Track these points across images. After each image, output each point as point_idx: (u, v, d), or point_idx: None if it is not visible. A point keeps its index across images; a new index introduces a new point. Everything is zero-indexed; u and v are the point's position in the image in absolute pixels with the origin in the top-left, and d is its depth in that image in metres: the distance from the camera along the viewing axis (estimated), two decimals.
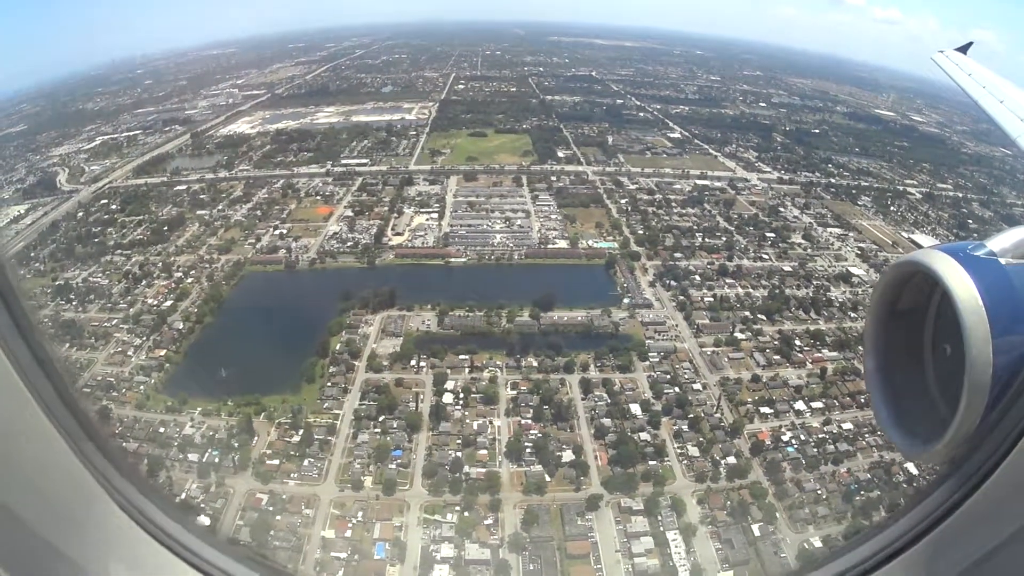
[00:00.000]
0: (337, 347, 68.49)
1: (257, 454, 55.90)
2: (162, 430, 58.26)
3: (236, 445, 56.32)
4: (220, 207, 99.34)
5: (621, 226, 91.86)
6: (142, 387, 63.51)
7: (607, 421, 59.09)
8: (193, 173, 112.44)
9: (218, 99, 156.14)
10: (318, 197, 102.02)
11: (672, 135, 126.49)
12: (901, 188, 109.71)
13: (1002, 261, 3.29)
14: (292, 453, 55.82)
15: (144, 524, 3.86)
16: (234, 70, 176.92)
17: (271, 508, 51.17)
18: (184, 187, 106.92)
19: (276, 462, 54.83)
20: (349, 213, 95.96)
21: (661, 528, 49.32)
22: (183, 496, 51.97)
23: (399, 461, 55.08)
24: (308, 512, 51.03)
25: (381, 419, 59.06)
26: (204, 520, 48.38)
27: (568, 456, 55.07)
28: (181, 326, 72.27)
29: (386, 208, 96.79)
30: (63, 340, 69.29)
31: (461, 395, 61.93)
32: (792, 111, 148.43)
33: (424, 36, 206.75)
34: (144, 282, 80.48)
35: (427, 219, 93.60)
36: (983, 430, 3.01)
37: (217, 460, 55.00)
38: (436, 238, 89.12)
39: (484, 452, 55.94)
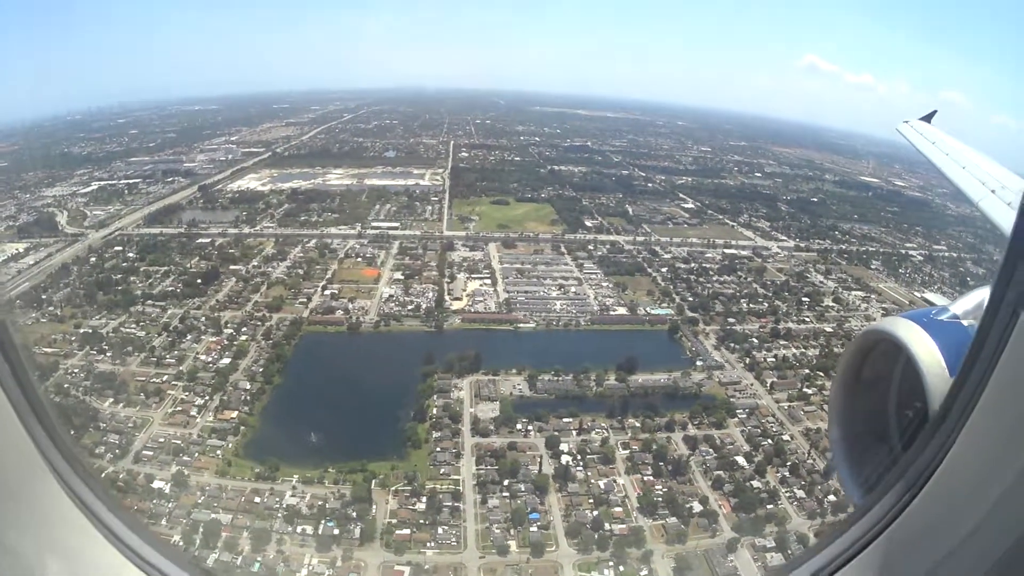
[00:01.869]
0: (434, 411, 68.06)
1: (381, 524, 54.30)
2: (257, 500, 56.47)
3: (354, 515, 54.79)
4: (254, 263, 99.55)
5: (670, 293, 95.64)
6: (219, 452, 61.83)
7: (720, 473, 61.46)
8: (212, 226, 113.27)
9: (216, 154, 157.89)
10: (359, 259, 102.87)
11: (686, 205, 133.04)
12: (903, 251, 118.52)
13: (964, 323, 3.45)
14: (421, 521, 54.60)
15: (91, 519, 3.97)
16: (223, 126, 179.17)
17: None
18: (208, 240, 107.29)
19: (406, 531, 53.72)
20: (399, 276, 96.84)
21: None
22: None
23: (538, 523, 55.17)
24: None
25: (506, 483, 59.10)
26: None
27: (696, 507, 57.44)
28: (248, 386, 70.63)
29: (435, 273, 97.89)
30: (103, 394, 68.07)
31: (578, 456, 62.76)
32: (787, 180, 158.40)
33: (408, 103, 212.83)
34: (189, 337, 78.99)
35: (481, 284, 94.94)
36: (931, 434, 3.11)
37: (336, 532, 53.30)
38: (497, 303, 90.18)
39: (619, 509, 57.05)
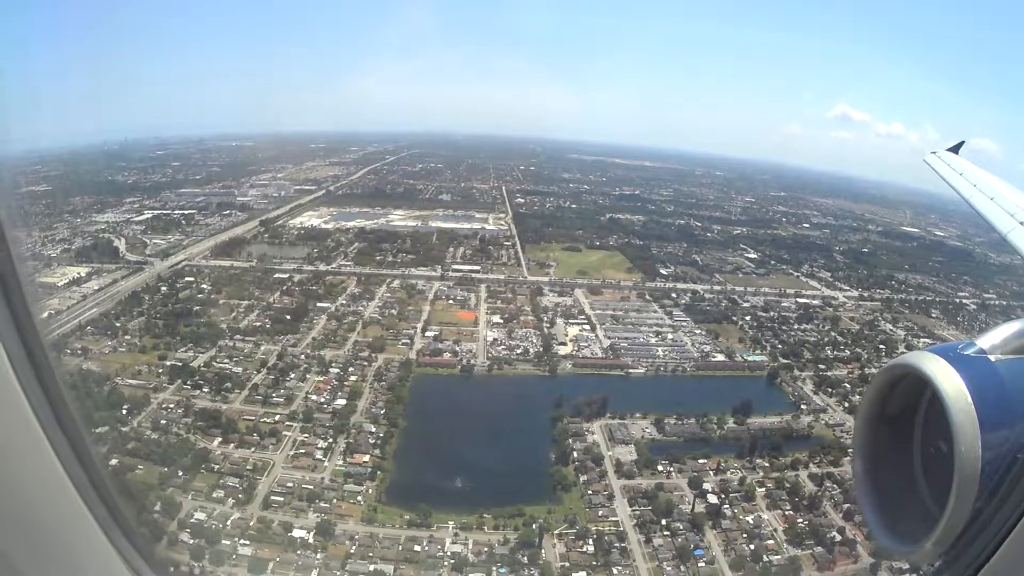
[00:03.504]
0: (575, 454, 71.38)
1: (556, 568, 56.28)
2: (417, 548, 56.96)
3: (525, 559, 56.50)
4: (342, 301, 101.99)
5: (759, 340, 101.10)
6: (359, 497, 61.91)
7: (848, 506, 65.39)
8: (285, 262, 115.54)
9: (267, 189, 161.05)
10: (450, 301, 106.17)
11: (749, 256, 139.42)
12: (958, 300, 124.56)
13: (991, 358, 3.54)
14: (593, 563, 56.95)
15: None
16: (265, 163, 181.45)
17: None
18: (285, 276, 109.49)
19: (582, 574, 55.99)
20: (497, 320, 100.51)
21: None
22: None
23: (703, 559, 59.83)
24: None
25: (663, 522, 63.44)
26: None
27: (836, 536, 61.75)
28: (373, 429, 71.59)
29: (531, 317, 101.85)
30: (209, 432, 68.03)
31: (722, 495, 67.51)
32: (834, 231, 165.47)
33: (443, 147, 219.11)
34: (293, 375, 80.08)
35: (580, 330, 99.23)
36: (973, 524, 3.21)
37: None
38: (602, 349, 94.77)
39: (771, 542, 61.07)
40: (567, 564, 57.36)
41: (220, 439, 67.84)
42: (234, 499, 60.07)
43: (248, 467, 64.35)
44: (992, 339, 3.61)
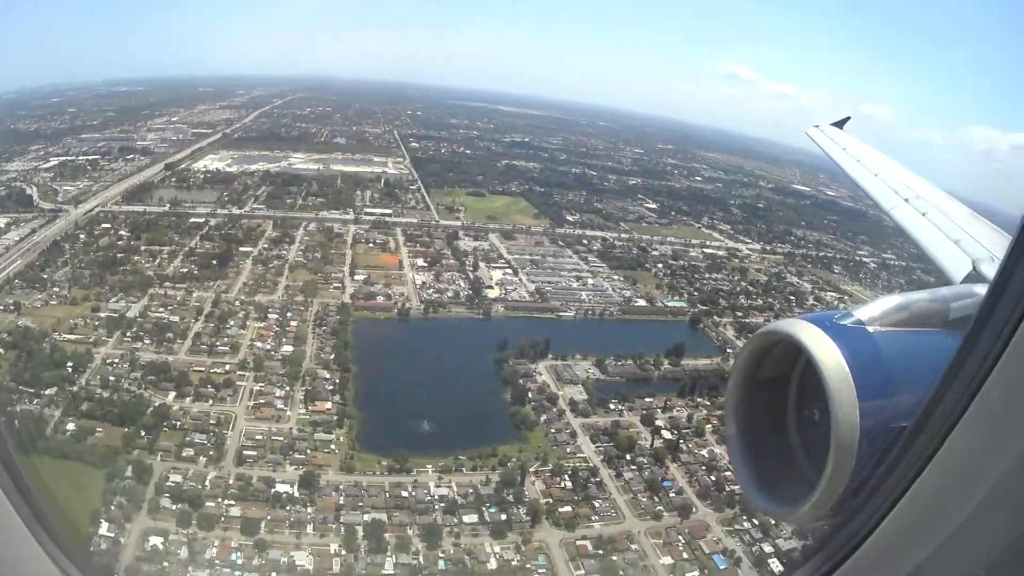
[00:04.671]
0: (530, 395, 73.35)
1: (542, 505, 58.44)
2: (404, 494, 58.20)
3: (511, 498, 58.66)
4: (264, 245, 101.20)
5: (676, 287, 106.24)
6: (332, 446, 62.45)
7: None
8: (197, 206, 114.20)
9: (165, 133, 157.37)
10: (370, 244, 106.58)
11: (649, 206, 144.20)
12: (858, 258, 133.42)
13: (870, 329, 3.67)
14: (575, 498, 59.76)
15: None
16: (158, 107, 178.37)
17: (602, 552, 54.87)
18: (201, 220, 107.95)
19: (568, 508, 58.46)
20: (421, 263, 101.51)
21: None
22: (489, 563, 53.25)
23: (673, 490, 62.99)
24: (635, 547, 55.93)
25: (628, 457, 66.34)
26: None
27: None
28: (327, 375, 71.85)
29: (453, 261, 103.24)
30: (161, 387, 66.81)
31: (675, 431, 71.08)
32: (727, 185, 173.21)
33: (327, 90, 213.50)
34: (232, 322, 79.36)
35: (503, 274, 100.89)
36: (855, 490, 3.34)
37: (503, 517, 56.83)
38: (529, 293, 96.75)
39: (728, 473, 65.18)
40: (551, 500, 59.64)
41: (175, 393, 66.54)
42: (205, 457, 59.21)
43: (212, 422, 63.38)
44: (870, 311, 3.77)
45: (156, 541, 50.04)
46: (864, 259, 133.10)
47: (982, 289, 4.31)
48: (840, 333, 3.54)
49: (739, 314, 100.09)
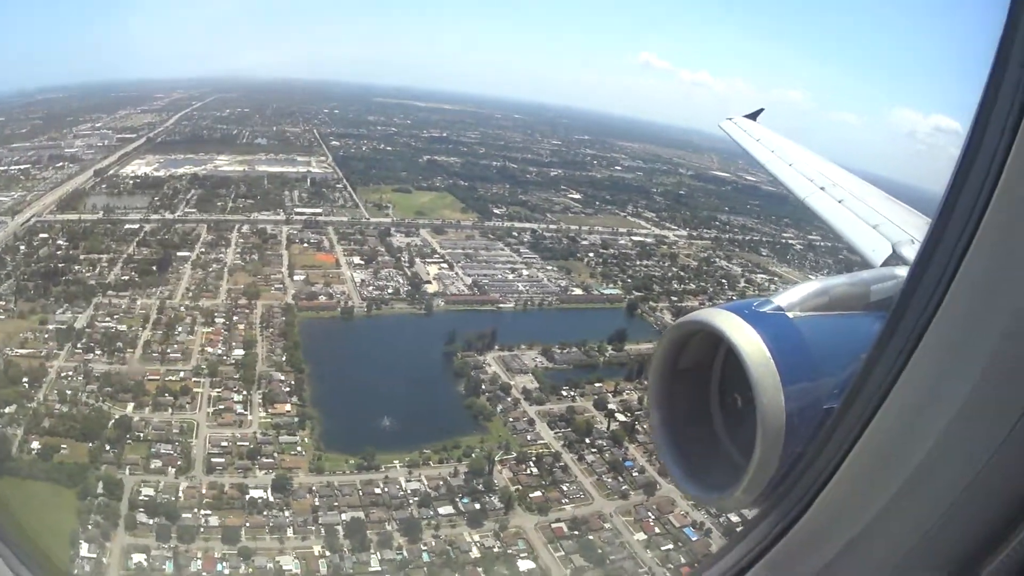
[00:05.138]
0: (483, 386, 74.67)
1: (513, 492, 60.47)
2: (377, 491, 59.71)
3: (482, 487, 60.78)
4: (201, 249, 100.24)
5: (609, 275, 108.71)
6: (298, 448, 63.36)
7: None
8: (130, 212, 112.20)
9: (91, 139, 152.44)
10: (305, 244, 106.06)
11: (573, 196, 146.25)
12: (784, 240, 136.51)
13: (789, 315, 3.74)
14: (543, 483, 62.03)
15: None
16: (83, 113, 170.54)
17: (577, 532, 57.14)
18: (136, 226, 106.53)
19: (538, 493, 60.73)
20: (357, 261, 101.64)
21: None
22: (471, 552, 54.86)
23: (635, 470, 64.90)
24: (608, 526, 58.29)
25: (587, 441, 68.04)
26: None
27: None
28: (282, 377, 72.23)
29: (388, 258, 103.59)
30: (119, 398, 66.31)
31: (627, 413, 73.17)
32: (647, 174, 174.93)
33: (244, 91, 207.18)
34: (180, 328, 78.91)
35: (439, 269, 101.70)
36: (786, 473, 3.38)
37: (477, 507, 58.79)
38: (467, 286, 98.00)
39: None
40: (520, 487, 61.53)
41: (134, 404, 66.46)
42: (174, 467, 59.25)
43: (175, 431, 63.53)
44: (789, 297, 3.87)
45: (139, 558, 50.14)
46: (790, 241, 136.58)
47: (903, 271, 4.46)
48: (759, 320, 3.62)
49: (674, 299, 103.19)
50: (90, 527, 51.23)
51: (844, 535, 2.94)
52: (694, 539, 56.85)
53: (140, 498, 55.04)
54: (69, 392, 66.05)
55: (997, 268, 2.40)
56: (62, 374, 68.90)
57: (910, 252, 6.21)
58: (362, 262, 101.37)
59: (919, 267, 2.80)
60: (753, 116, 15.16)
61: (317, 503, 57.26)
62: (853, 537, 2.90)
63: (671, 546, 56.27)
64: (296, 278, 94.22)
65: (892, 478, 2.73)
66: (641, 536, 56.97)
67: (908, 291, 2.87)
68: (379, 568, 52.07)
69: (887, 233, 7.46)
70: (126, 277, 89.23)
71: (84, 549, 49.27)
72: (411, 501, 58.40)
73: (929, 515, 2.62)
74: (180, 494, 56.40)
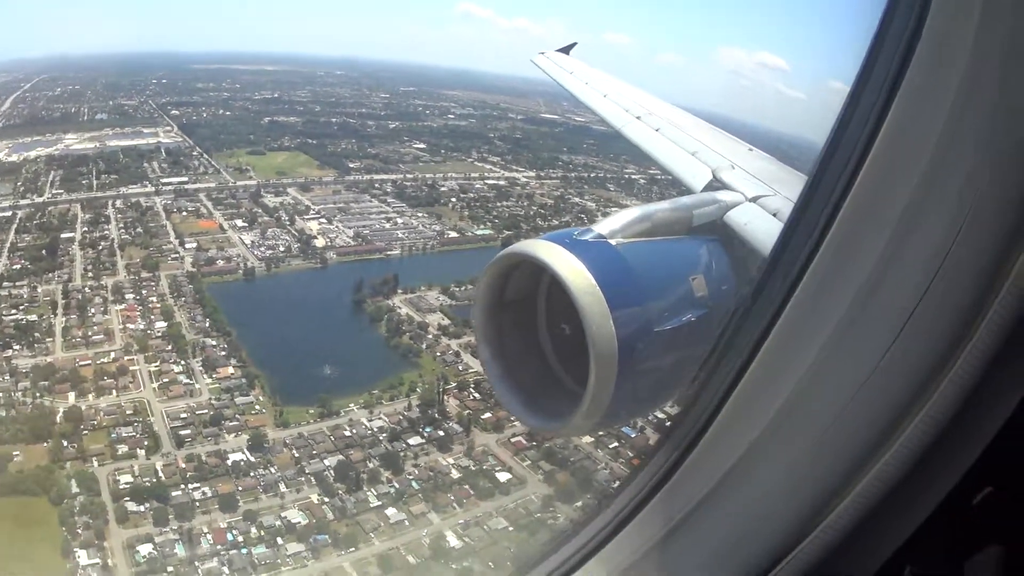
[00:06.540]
0: (402, 326, 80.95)
1: (466, 416, 65.34)
2: (347, 433, 63.02)
3: (438, 416, 65.76)
4: (84, 229, 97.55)
5: (477, 218, 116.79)
6: (256, 407, 65.04)
7: None
8: None
9: None
10: (184, 213, 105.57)
11: (418, 146, 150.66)
12: (627, 176, 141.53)
13: (612, 242, 3.86)
14: (489, 405, 65.13)
15: None
16: None
17: (535, 443, 61.23)
18: (8, 213, 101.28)
19: (488, 415, 65.07)
20: (239, 224, 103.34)
21: None
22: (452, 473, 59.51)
23: None
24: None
25: None
26: None
27: None
28: (213, 342, 74.07)
29: (268, 218, 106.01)
30: (55, 390, 63.65)
31: None
32: (480, 120, 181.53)
33: (68, 69, 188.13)
34: (93, 310, 77.89)
35: (320, 225, 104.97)
36: (625, 396, 3.53)
37: (441, 434, 63.66)
38: (351, 238, 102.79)
39: None
40: (470, 411, 67.28)
41: (75, 393, 64.09)
42: (143, 448, 58.48)
43: (128, 412, 62.34)
44: (611, 225, 4.06)
45: (147, 549, 48.74)
46: (633, 176, 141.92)
47: (724, 196, 4.96)
48: (582, 248, 3.80)
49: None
50: (79, 531, 48.83)
51: (732, 460, 2.83)
52: (633, 436, 64.08)
53: (121, 487, 53.55)
54: (1, 394, 63.03)
55: (886, 186, 2.42)
56: None
57: (730, 177, 6.08)
58: (245, 224, 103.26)
59: (809, 190, 2.80)
60: (566, 50, 14.83)
61: (297, 455, 59.41)
62: (743, 456, 2.80)
63: (616, 444, 63.97)
64: (188, 246, 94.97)
65: (783, 390, 2.65)
66: (588, 439, 62.75)
67: (801, 204, 2.91)
68: (380, 503, 55.34)
69: (706, 159, 7.45)
70: (17, 266, 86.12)
71: (83, 557, 46.84)
72: (381, 438, 62.94)
73: (821, 427, 2.55)
74: (160, 473, 55.80)
